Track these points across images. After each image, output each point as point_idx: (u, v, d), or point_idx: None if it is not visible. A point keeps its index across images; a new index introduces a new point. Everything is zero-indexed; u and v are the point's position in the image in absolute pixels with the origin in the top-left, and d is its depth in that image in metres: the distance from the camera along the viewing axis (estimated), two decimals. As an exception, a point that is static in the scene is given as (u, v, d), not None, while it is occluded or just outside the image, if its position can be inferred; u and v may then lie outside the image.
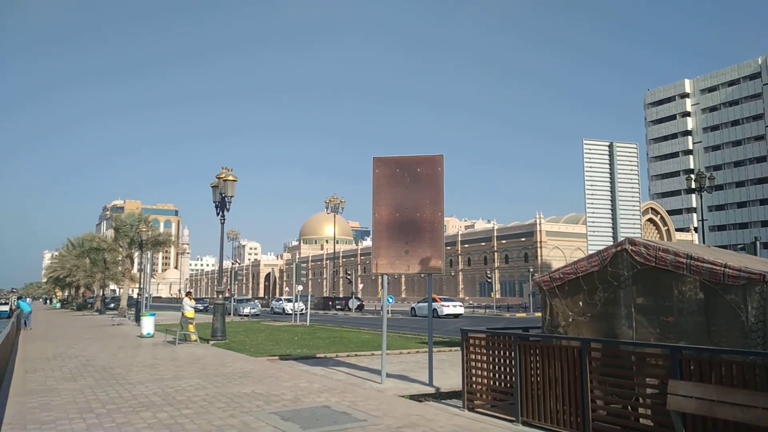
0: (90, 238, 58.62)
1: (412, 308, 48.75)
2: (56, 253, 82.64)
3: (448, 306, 44.38)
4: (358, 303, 57.91)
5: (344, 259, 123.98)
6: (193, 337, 19.72)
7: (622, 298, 7.10)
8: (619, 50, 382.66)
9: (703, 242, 39.78)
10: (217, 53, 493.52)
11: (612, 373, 6.52)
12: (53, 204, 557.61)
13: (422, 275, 14.35)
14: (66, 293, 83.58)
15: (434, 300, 44.62)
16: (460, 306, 46.17)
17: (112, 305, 54.66)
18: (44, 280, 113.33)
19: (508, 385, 7.69)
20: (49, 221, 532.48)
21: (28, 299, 38.75)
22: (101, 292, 56.19)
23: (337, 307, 59.83)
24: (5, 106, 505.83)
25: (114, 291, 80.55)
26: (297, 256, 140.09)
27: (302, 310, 38.56)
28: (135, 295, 48.13)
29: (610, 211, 10.60)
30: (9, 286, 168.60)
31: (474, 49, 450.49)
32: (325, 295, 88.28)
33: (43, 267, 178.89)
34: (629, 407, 6.42)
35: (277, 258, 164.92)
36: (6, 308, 76.04)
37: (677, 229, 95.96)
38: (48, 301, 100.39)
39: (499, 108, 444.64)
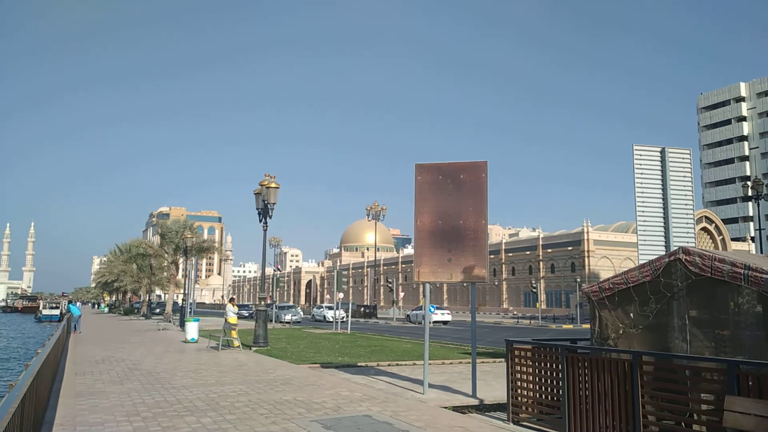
0: (137, 244, 60.29)
1: (407, 315, 53.28)
2: (104, 259, 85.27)
3: (436, 314, 48.68)
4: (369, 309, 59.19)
5: (385, 267, 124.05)
6: (236, 343, 19.96)
7: (675, 310, 6.83)
8: (670, 53, 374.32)
9: (761, 252, 38.22)
10: (264, 59, 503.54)
11: (665, 387, 6.27)
12: (102, 210, 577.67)
13: (465, 284, 14.17)
14: (114, 298, 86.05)
15: (422, 308, 51.99)
16: (448, 314, 50.83)
17: (157, 310, 56.02)
18: (93, 284, 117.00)
19: (555, 398, 7.48)
20: (98, 227, 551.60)
21: (77, 303, 40.06)
22: (147, 298, 57.63)
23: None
24: (56, 106, 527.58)
25: (159, 296, 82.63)
26: (338, 264, 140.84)
27: (343, 317, 38.68)
28: (180, 301, 49.19)
29: (662, 220, 10.24)
30: (60, 290, 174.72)
31: (519, 49, 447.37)
32: (365, 303, 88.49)
33: (92, 272, 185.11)
34: (683, 424, 6.14)
35: (318, 265, 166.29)
36: (57, 312, 78.89)
37: (733, 239, 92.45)
38: (96, 306, 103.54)
39: (547, 111, 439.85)
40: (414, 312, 53.29)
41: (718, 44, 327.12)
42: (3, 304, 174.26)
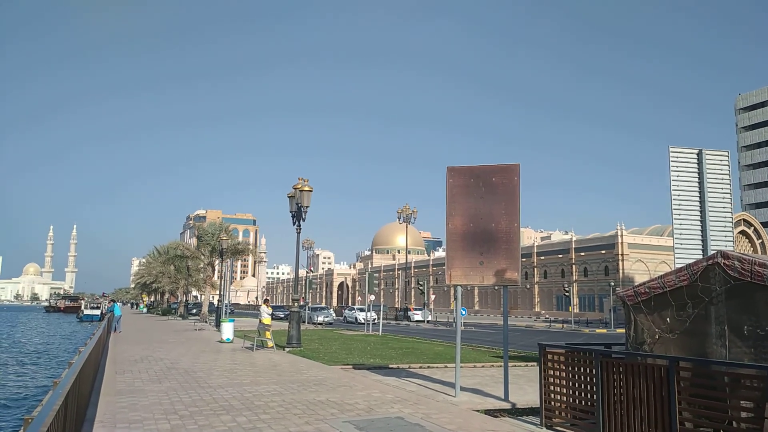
0: (175, 246, 61.40)
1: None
2: (143, 260, 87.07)
3: (417, 314, 59.52)
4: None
5: (416, 270, 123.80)
6: (270, 343, 20.22)
7: (713, 315, 6.69)
8: (708, 52, 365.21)
9: (803, 257, 36.96)
10: (300, 70, 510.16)
11: (702, 394, 6.15)
12: (142, 213, 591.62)
13: (496, 287, 14.09)
14: (152, 298, 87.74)
15: (408, 309, 63.99)
16: (420, 313, 59.87)
17: (194, 311, 56.99)
18: (132, 285, 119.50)
19: (589, 403, 7.40)
20: (138, 230, 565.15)
21: (118, 303, 41.08)
22: (184, 298, 58.65)
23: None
24: (97, 111, 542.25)
25: (196, 297, 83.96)
26: (369, 266, 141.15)
27: (374, 319, 38.79)
28: (215, 302, 49.93)
29: (699, 223, 10.03)
30: (100, 290, 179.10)
31: (556, 46, 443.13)
32: (396, 305, 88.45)
33: (131, 273, 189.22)
34: (721, 431, 6.02)
35: (350, 267, 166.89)
36: (97, 312, 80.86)
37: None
38: (135, 306, 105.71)
39: (580, 116, 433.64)
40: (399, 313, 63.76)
41: (757, 43, 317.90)
42: (46, 303, 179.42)
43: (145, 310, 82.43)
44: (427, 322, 56.18)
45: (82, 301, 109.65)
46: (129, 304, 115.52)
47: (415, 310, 63.13)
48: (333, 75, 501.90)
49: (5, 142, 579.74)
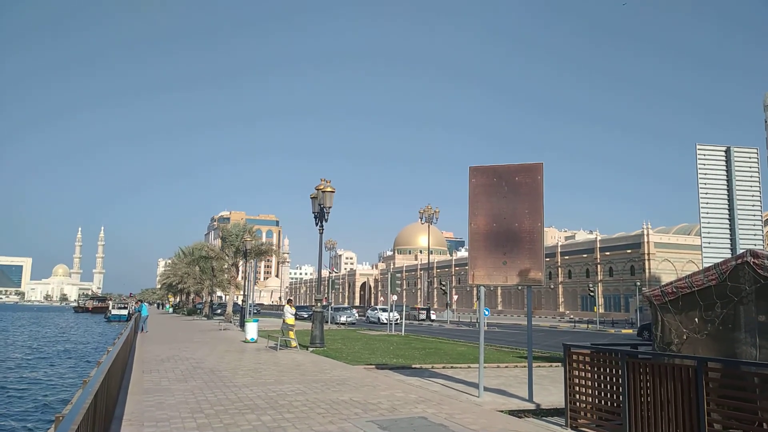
0: (199, 247, 62.11)
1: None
2: (169, 261, 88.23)
3: (423, 313, 61.77)
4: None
5: (438, 270, 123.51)
6: (293, 343, 20.34)
7: (742, 315, 6.57)
8: (735, 49, 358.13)
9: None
10: (325, 70, 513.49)
11: (732, 395, 6.04)
12: (167, 215, 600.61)
13: (520, 287, 13.99)
14: (178, 299, 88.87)
15: (414, 308, 65.89)
16: (434, 313, 62.79)
17: (218, 311, 57.56)
18: (158, 286, 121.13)
19: (615, 404, 7.30)
20: (164, 231, 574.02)
21: (145, 304, 41.77)
22: (209, 299, 59.26)
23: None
24: (123, 111, 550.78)
25: (221, 297, 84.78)
26: (391, 266, 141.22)
27: (397, 319, 38.80)
28: (240, 302, 50.38)
29: (727, 221, 9.84)
30: (127, 291, 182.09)
31: (578, 49, 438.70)
32: (419, 305, 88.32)
33: (157, 274, 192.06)
34: (752, 434, 5.90)
35: (372, 268, 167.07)
36: (125, 312, 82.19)
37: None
38: (161, 306, 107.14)
39: (604, 112, 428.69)
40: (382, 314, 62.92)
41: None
42: (75, 304, 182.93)
43: (171, 310, 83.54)
44: (450, 322, 56.37)
45: (110, 302, 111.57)
46: (155, 305, 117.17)
47: (421, 309, 65.14)
48: (354, 78, 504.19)
49: (34, 144, 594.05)
